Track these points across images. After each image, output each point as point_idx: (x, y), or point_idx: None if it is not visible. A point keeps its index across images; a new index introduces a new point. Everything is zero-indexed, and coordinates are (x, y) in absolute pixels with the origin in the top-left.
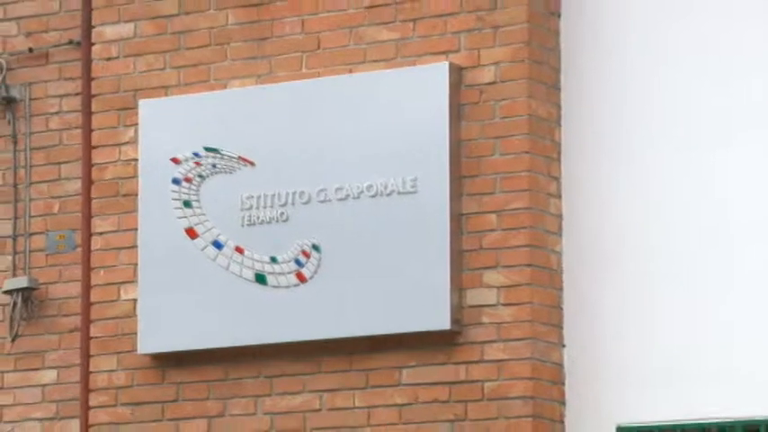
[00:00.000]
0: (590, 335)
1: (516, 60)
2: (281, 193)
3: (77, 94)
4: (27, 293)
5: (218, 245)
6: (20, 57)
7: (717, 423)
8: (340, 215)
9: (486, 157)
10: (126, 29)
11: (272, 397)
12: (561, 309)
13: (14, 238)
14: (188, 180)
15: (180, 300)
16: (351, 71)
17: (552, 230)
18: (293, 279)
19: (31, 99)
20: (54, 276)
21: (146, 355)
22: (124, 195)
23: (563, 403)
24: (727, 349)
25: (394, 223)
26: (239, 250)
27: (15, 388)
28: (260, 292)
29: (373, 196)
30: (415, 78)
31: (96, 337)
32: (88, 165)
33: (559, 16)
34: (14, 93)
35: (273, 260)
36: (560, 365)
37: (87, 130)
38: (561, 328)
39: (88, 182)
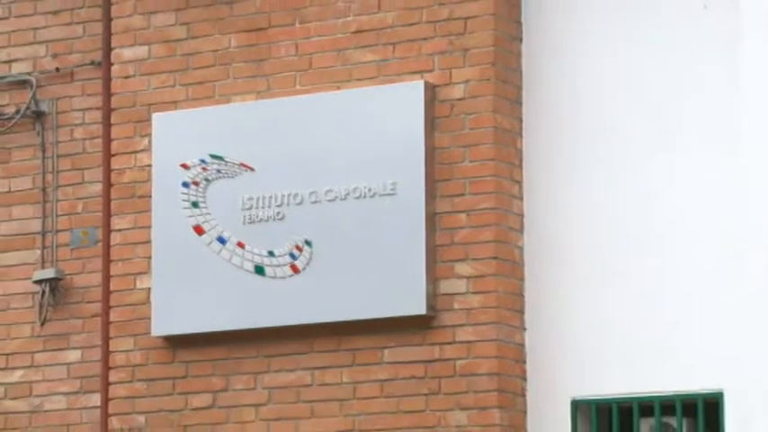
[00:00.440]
0: (548, 319)
1: (483, 79)
2: (277, 194)
3: (98, 108)
4: (54, 283)
5: (221, 240)
6: (48, 75)
7: (659, 396)
8: (329, 214)
9: (457, 163)
10: (141, 51)
11: (270, 374)
12: (523, 296)
13: (43, 234)
14: (195, 183)
15: (188, 288)
16: (338, 88)
17: (515, 228)
18: (288, 270)
19: (57, 112)
20: (78, 268)
21: (158, 337)
22: (139, 197)
23: (524, 379)
24: (669, 331)
25: (376, 222)
26: (240, 245)
27: (44, 366)
28: (259, 281)
29: (358, 198)
30: (394, 95)
31: (115, 322)
32: (108, 170)
33: (521, 41)
34: (43, 107)
35: (271, 254)
36: (522, 346)
37: (107, 139)
38: (523, 313)
39: (108, 185)
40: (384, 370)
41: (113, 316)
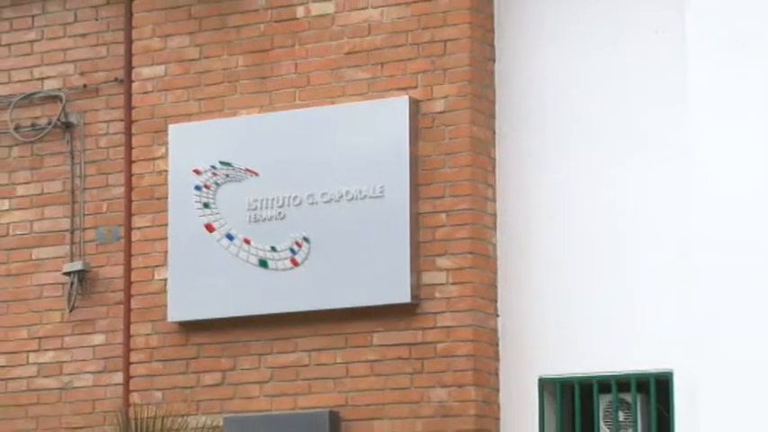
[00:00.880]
0: (518, 307)
1: (460, 95)
2: (278, 197)
3: (121, 120)
4: (82, 274)
5: (230, 237)
6: (76, 91)
7: (615, 375)
8: (325, 214)
9: (438, 169)
10: (159, 70)
11: (272, 355)
12: (496, 287)
13: (72, 231)
14: (207, 186)
15: (200, 279)
16: (333, 103)
17: (489, 226)
18: (288, 264)
19: (84, 124)
20: (103, 261)
21: (174, 322)
22: (157, 198)
23: (497, 360)
24: (625, 318)
25: (366, 221)
26: (246, 241)
27: (73, 348)
28: (262, 273)
29: (350, 200)
30: (382, 109)
31: (135, 309)
32: (129, 174)
33: (494, 61)
34: (72, 119)
35: (273, 249)
36: (495, 330)
37: (128, 147)
38: (496, 301)
39: (129, 188)
40: (373, 352)
41: (134, 304)
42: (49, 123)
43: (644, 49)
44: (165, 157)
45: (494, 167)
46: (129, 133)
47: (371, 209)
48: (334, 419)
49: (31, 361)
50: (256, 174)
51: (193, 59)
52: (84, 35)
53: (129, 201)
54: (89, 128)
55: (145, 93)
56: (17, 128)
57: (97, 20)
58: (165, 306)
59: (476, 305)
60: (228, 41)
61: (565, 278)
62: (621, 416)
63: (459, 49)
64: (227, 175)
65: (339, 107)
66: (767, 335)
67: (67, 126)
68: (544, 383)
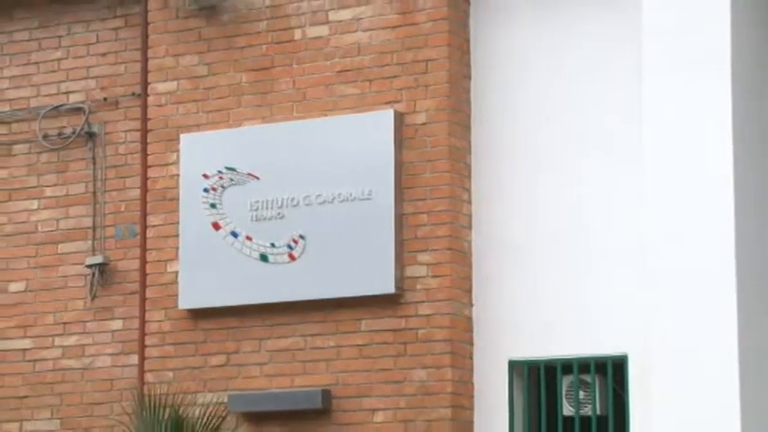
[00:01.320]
0: (490, 297)
1: (440, 108)
2: (277, 198)
3: (137, 130)
4: (102, 267)
5: (234, 234)
6: (98, 104)
7: (577, 358)
8: (319, 214)
9: (419, 174)
10: (172, 85)
11: (271, 339)
12: (470, 279)
13: (93, 228)
14: (214, 189)
15: (208, 272)
16: (326, 115)
17: (465, 225)
18: (286, 258)
19: (105, 133)
20: (121, 255)
21: (184, 309)
22: (169, 200)
23: (471, 344)
24: (585, 307)
25: (356, 220)
26: (249, 238)
27: (94, 332)
28: (263, 267)
29: (342, 201)
30: (370, 121)
31: (150, 298)
32: (144, 178)
33: (470, 79)
34: (94, 129)
35: (272, 245)
36: (470, 318)
37: (144, 154)
38: (470, 292)
39: (144, 190)
40: (361, 336)
41: (148, 293)
42: (74, 133)
43: (603, 64)
44: (176, 162)
45: (469, 173)
46: (144, 141)
47: (360, 210)
48: (327, 396)
49: (56, 344)
50: (258, 178)
51: (202, 76)
52: (104, 54)
53: (145, 201)
54: (109, 137)
55: (159, 106)
56: (45, 136)
57: (116, 41)
58: (176, 295)
59: (452, 296)
60: (234, 60)
61: (532, 272)
62: (582, 394)
63: (438, 68)
64: (232, 179)
65: (332, 119)
66: (711, 323)
67: (90, 135)
68: (513, 365)
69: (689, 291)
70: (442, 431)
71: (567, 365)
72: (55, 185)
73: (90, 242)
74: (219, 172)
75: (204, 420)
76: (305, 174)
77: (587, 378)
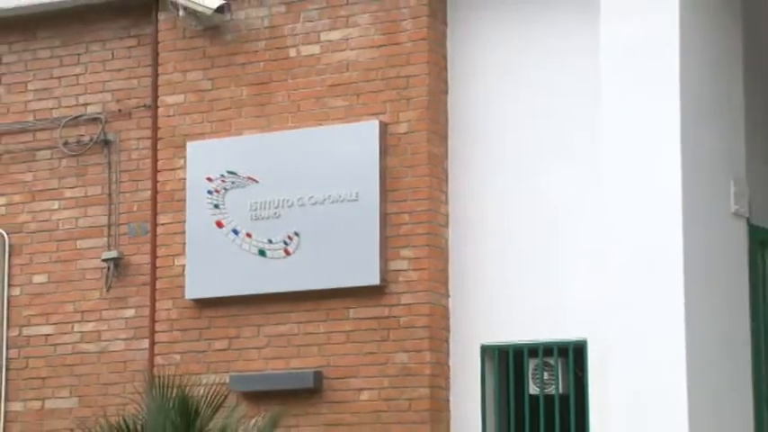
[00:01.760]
0: (465, 289)
1: (421, 119)
2: (274, 200)
3: (148, 138)
4: (117, 261)
5: (235, 232)
6: (113, 114)
7: (542, 343)
8: (312, 214)
9: (402, 178)
10: (179, 98)
11: (269, 326)
12: (447, 272)
13: (109, 226)
14: (217, 191)
15: (212, 265)
16: (318, 125)
17: (442, 224)
18: (282, 253)
19: (119, 141)
20: (133, 250)
21: (190, 299)
22: (177, 200)
23: (448, 331)
24: (550, 296)
25: (345, 219)
26: (248, 235)
27: (109, 320)
28: (261, 261)
29: (332, 202)
30: (358, 130)
31: (159, 289)
32: (155, 181)
33: (447, 93)
34: (110, 137)
35: (270, 241)
36: (446, 307)
37: (154, 160)
38: (447, 284)
39: (155, 192)
40: (349, 323)
41: (158, 284)
42: (91, 140)
43: (567, 78)
44: (183, 167)
45: (446, 177)
46: (155, 148)
47: (349, 210)
48: (318, 377)
49: (75, 330)
50: (257, 181)
51: (207, 90)
52: (119, 70)
53: (155, 202)
54: (123, 144)
55: (168, 116)
56: (66, 144)
57: (130, 58)
58: (183, 286)
59: (431, 287)
60: (235, 75)
61: (503, 265)
62: (546, 376)
63: (419, 84)
64: (234, 182)
65: (323, 129)
66: (661, 313)
67: (106, 142)
68: (485, 350)
69: (642, 285)
70: (421, 408)
71: (533, 350)
72: (74, 188)
73: (106, 239)
74: (222, 176)
75: (208, 399)
76: (299, 177)
77: (551, 361)
